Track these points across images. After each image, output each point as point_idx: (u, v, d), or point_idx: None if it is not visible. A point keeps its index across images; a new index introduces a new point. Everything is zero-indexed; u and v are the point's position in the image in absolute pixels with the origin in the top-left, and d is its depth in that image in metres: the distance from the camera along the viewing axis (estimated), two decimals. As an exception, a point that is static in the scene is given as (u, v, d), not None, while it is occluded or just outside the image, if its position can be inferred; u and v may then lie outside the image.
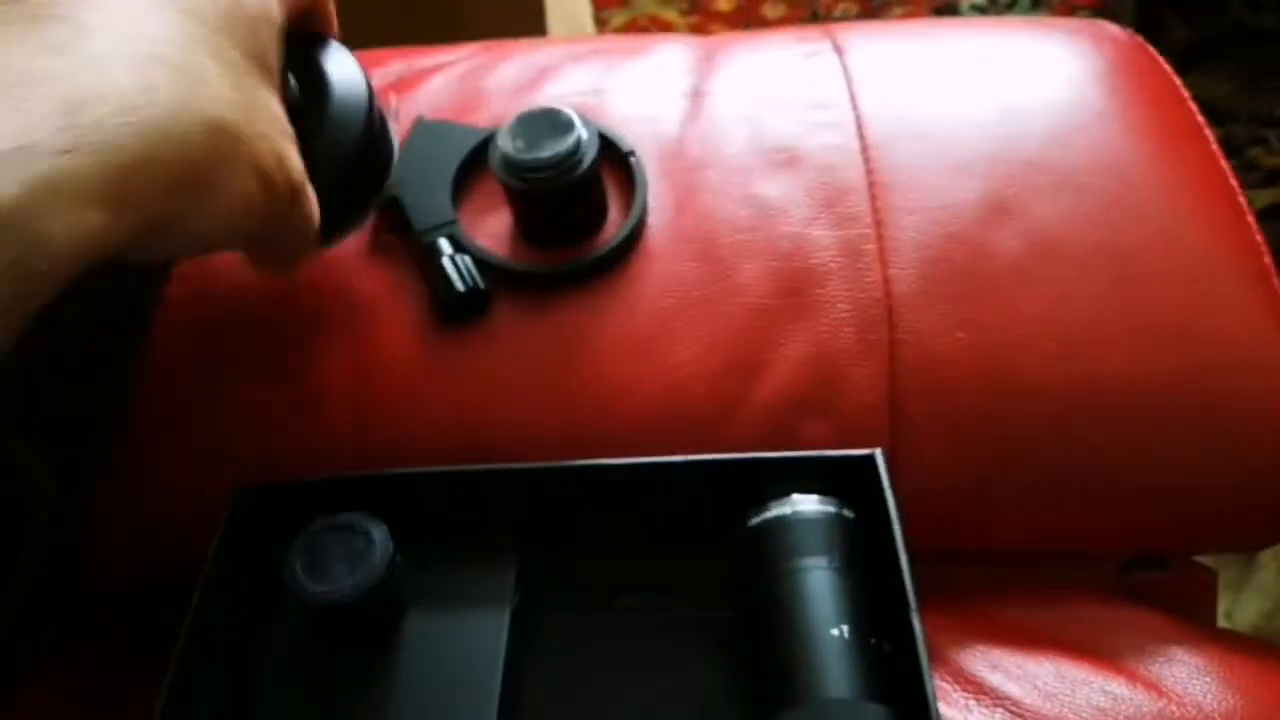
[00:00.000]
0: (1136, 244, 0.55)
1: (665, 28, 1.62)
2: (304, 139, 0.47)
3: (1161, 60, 0.68)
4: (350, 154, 0.50)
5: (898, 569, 0.43)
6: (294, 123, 0.46)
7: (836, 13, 1.62)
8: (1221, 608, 0.97)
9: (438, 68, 0.68)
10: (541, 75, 0.66)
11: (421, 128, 0.61)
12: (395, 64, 0.69)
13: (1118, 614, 0.52)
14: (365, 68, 0.52)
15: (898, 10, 1.62)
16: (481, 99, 0.65)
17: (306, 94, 0.49)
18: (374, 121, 0.51)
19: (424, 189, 0.58)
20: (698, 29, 1.63)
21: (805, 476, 0.47)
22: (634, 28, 1.62)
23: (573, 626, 0.48)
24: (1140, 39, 0.69)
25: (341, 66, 0.51)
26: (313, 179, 0.47)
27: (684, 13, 1.64)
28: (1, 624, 0.45)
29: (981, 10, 1.62)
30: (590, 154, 0.52)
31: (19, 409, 0.46)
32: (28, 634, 0.52)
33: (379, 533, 0.45)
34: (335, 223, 0.51)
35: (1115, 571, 0.55)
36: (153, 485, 0.53)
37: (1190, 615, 0.53)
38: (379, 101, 0.53)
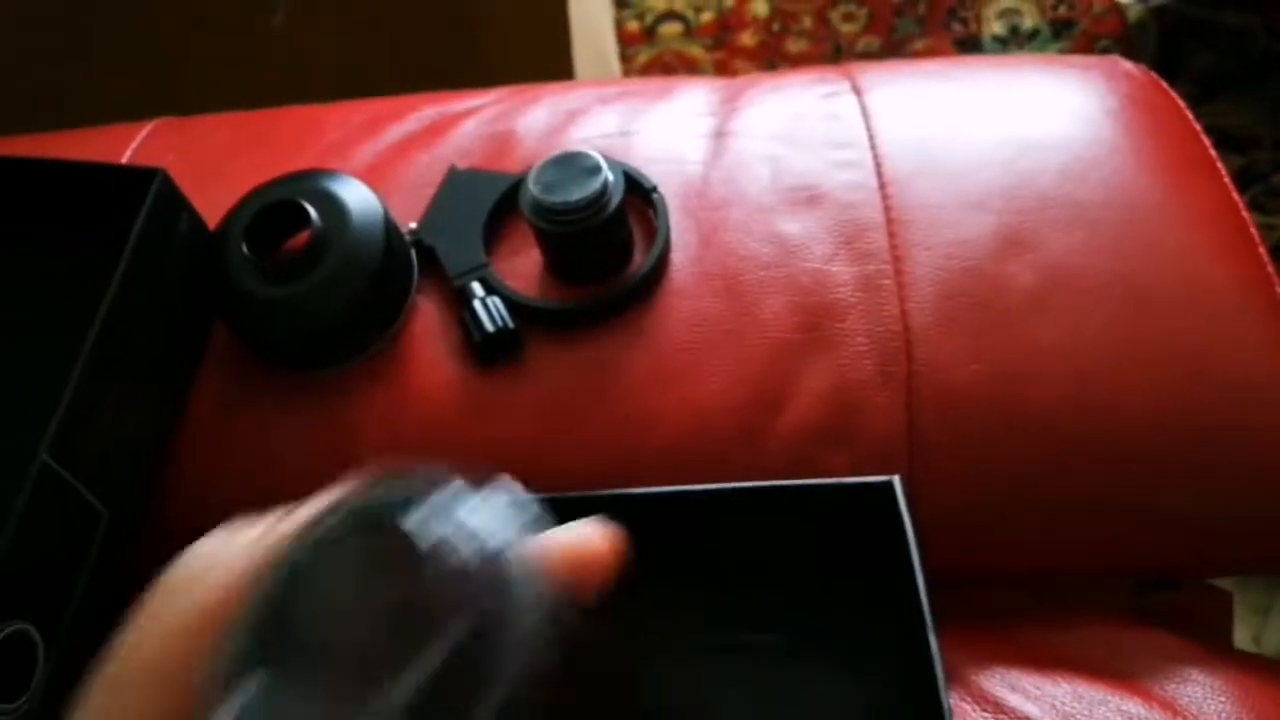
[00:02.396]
0: (1150, 276, 0.57)
1: (690, 64, 1.65)
2: (327, 268, 0.54)
3: (1175, 96, 0.69)
4: (371, 278, 0.56)
5: (915, 591, 0.44)
6: (316, 253, 0.54)
7: (859, 46, 1.64)
8: (1249, 633, 0.97)
9: (469, 112, 0.70)
10: (570, 119, 0.68)
11: (453, 176, 0.63)
12: (428, 109, 0.72)
13: (1133, 635, 0.53)
14: (381, 197, 0.59)
15: (919, 43, 1.64)
16: (512, 142, 0.67)
17: (327, 225, 0.54)
18: (392, 246, 0.56)
19: (456, 235, 0.60)
20: (722, 65, 1.65)
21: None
22: (659, 64, 1.65)
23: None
24: (1154, 75, 0.71)
25: (359, 198, 0.56)
26: (337, 305, 0.54)
27: (708, 49, 1.67)
28: (63, 639, 0.48)
29: (1003, 41, 1.64)
30: (617, 195, 0.55)
31: (78, 444, 0.49)
32: (87, 650, 0.54)
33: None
34: (359, 340, 0.57)
35: (1130, 594, 0.57)
36: (198, 504, 0.55)
37: (1205, 637, 0.54)
38: (394, 225, 0.59)
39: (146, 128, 0.74)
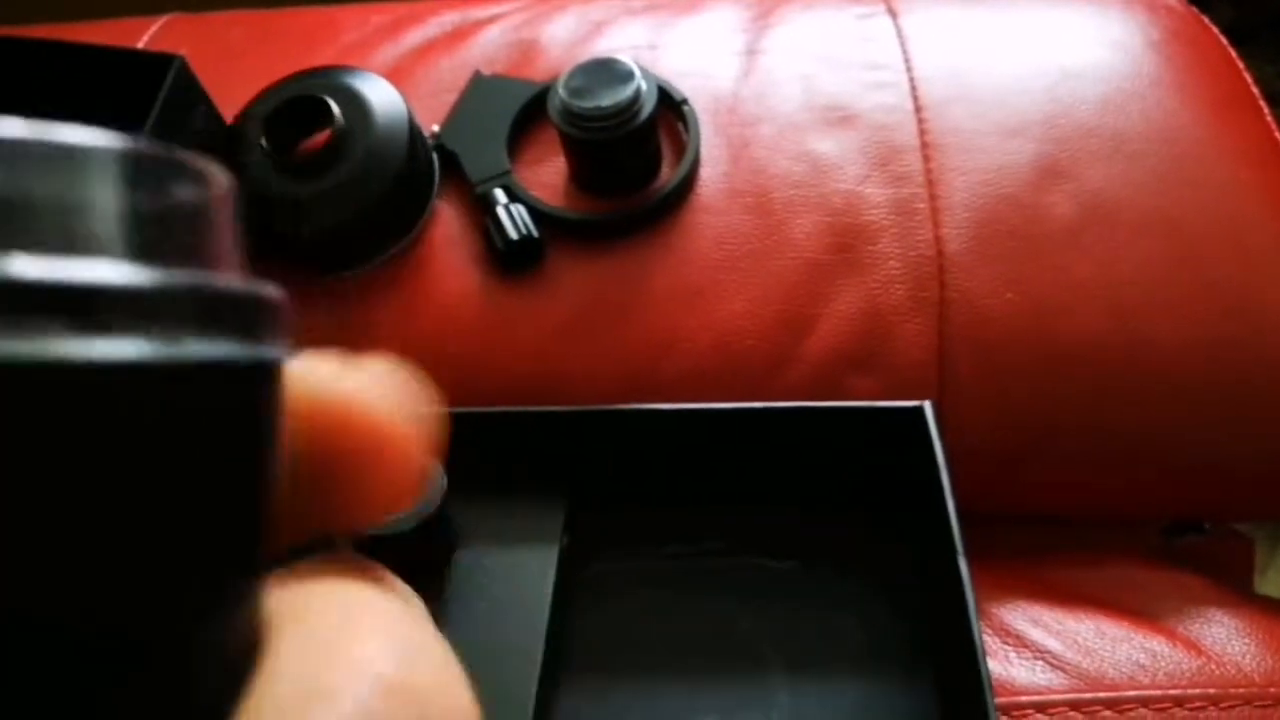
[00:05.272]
0: (1189, 212, 0.55)
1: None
2: (348, 167, 0.52)
3: (1216, 31, 0.67)
4: (394, 178, 0.54)
5: (945, 517, 0.43)
6: (339, 150, 0.52)
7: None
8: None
9: (492, 19, 0.68)
10: (596, 28, 0.66)
11: (478, 82, 0.61)
12: (449, 14, 0.69)
13: (1157, 576, 0.53)
14: (404, 94, 0.56)
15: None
16: (536, 50, 0.65)
17: (350, 123, 0.52)
18: (415, 148, 0.54)
19: (479, 141, 0.59)
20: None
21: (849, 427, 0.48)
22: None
23: (619, 570, 0.49)
24: (1195, 10, 0.69)
25: (383, 96, 0.55)
26: (359, 204, 0.52)
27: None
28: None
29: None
30: (650, 104, 0.53)
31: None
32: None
33: (433, 469, 0.46)
34: (378, 243, 0.55)
35: (1156, 535, 0.56)
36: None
37: (1227, 580, 0.53)
38: (418, 126, 0.57)
39: (157, 23, 0.71)
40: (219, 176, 0.14)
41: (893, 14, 0.67)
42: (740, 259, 0.54)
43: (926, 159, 0.57)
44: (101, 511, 0.12)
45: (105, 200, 0.12)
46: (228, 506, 0.14)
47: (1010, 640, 0.48)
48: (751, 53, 0.64)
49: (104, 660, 0.12)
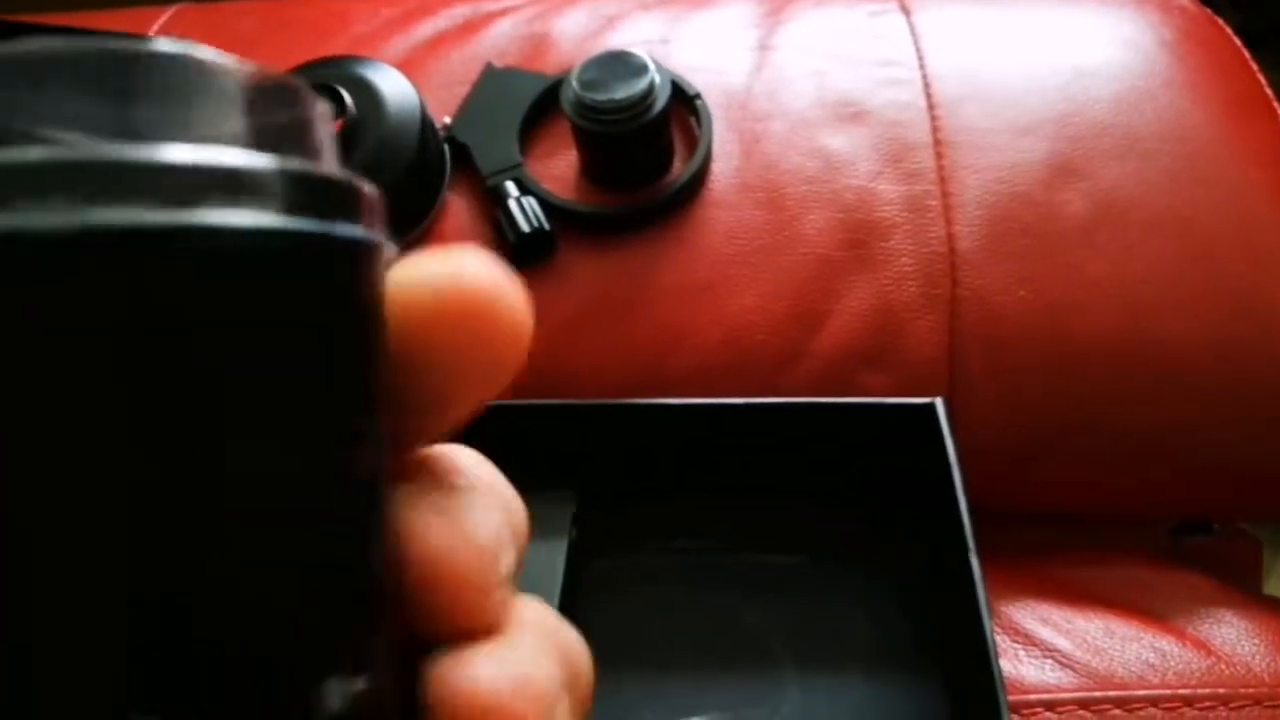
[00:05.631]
0: (1201, 211, 0.55)
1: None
2: (360, 156, 0.53)
3: (1229, 31, 0.67)
4: (405, 170, 0.54)
5: (956, 514, 0.43)
6: (350, 140, 0.52)
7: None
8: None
9: (504, 11, 0.68)
10: (609, 23, 0.66)
11: (490, 74, 0.61)
12: (461, 7, 0.69)
13: (1167, 576, 0.52)
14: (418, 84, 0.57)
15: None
16: (548, 44, 0.65)
17: (362, 113, 0.53)
18: (427, 139, 0.54)
19: (491, 134, 0.58)
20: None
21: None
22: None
23: (627, 565, 0.49)
24: (1208, 11, 0.69)
25: (396, 87, 0.55)
26: None
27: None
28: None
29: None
30: (663, 98, 0.53)
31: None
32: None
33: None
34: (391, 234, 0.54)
35: (1164, 535, 0.56)
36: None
37: (1237, 580, 0.53)
38: (430, 117, 0.57)
39: (167, 12, 0.71)
40: (319, 98, 0.16)
41: (906, 11, 0.67)
42: (751, 254, 0.54)
43: (939, 156, 0.57)
44: (261, 360, 0.14)
45: (236, 108, 0.14)
46: (353, 366, 0.15)
47: (1019, 639, 0.48)
48: (764, 48, 0.64)
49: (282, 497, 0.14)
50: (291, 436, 0.14)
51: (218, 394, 0.13)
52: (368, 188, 0.16)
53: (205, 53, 0.14)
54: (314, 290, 0.14)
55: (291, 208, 0.14)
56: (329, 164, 0.16)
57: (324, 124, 0.16)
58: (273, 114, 0.15)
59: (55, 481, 0.12)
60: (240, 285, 0.13)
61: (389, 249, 0.16)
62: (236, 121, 0.14)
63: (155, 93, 0.14)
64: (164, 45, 0.14)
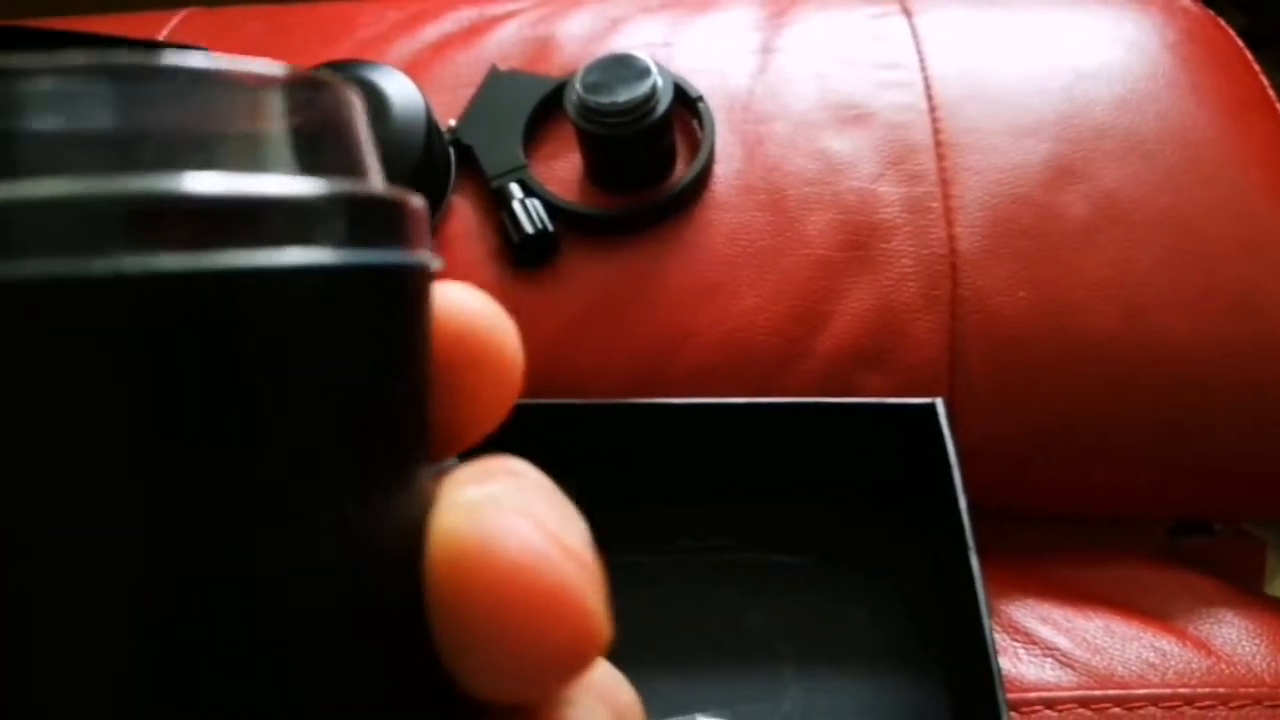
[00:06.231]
0: (1202, 213, 0.55)
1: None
2: None
3: (1233, 34, 0.67)
4: (410, 172, 0.54)
5: (956, 513, 0.43)
6: None
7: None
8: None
9: (508, 15, 0.68)
10: (612, 25, 0.66)
11: (494, 77, 0.62)
12: (466, 10, 0.70)
13: (1167, 576, 0.53)
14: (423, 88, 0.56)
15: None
16: (552, 47, 0.65)
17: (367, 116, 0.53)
18: (432, 141, 0.54)
19: (495, 136, 0.59)
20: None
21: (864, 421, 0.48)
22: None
23: (629, 565, 0.49)
24: (1211, 12, 0.69)
25: (401, 90, 0.56)
26: None
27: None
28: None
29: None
30: (665, 100, 0.53)
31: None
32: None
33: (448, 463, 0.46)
34: None
35: (1164, 536, 0.56)
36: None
37: (1237, 581, 0.53)
38: (435, 120, 0.57)
39: (176, 17, 0.72)
40: (355, 94, 0.15)
41: (907, 13, 0.67)
42: (753, 255, 0.55)
43: (940, 158, 0.57)
44: (298, 404, 0.13)
45: (268, 122, 0.13)
46: (400, 400, 0.14)
47: (1019, 637, 0.48)
48: (766, 51, 0.65)
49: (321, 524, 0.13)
50: (353, 477, 0.13)
51: (275, 435, 0.12)
52: (415, 201, 0.15)
53: (226, 60, 0.13)
54: (372, 324, 0.14)
55: (346, 239, 0.13)
56: (374, 173, 0.15)
57: (364, 123, 0.15)
58: (311, 121, 0.14)
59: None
60: (294, 327, 0.12)
61: (437, 265, 0.15)
62: (274, 138, 0.13)
63: (174, 110, 0.12)
64: (188, 57, 0.13)
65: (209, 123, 0.13)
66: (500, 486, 0.15)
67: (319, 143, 0.14)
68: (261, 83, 0.13)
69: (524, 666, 0.14)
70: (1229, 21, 0.70)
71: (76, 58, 0.12)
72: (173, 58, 0.12)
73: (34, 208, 0.11)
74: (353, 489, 0.13)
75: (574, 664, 0.14)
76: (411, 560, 0.14)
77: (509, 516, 0.14)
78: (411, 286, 0.14)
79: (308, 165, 0.13)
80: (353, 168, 0.14)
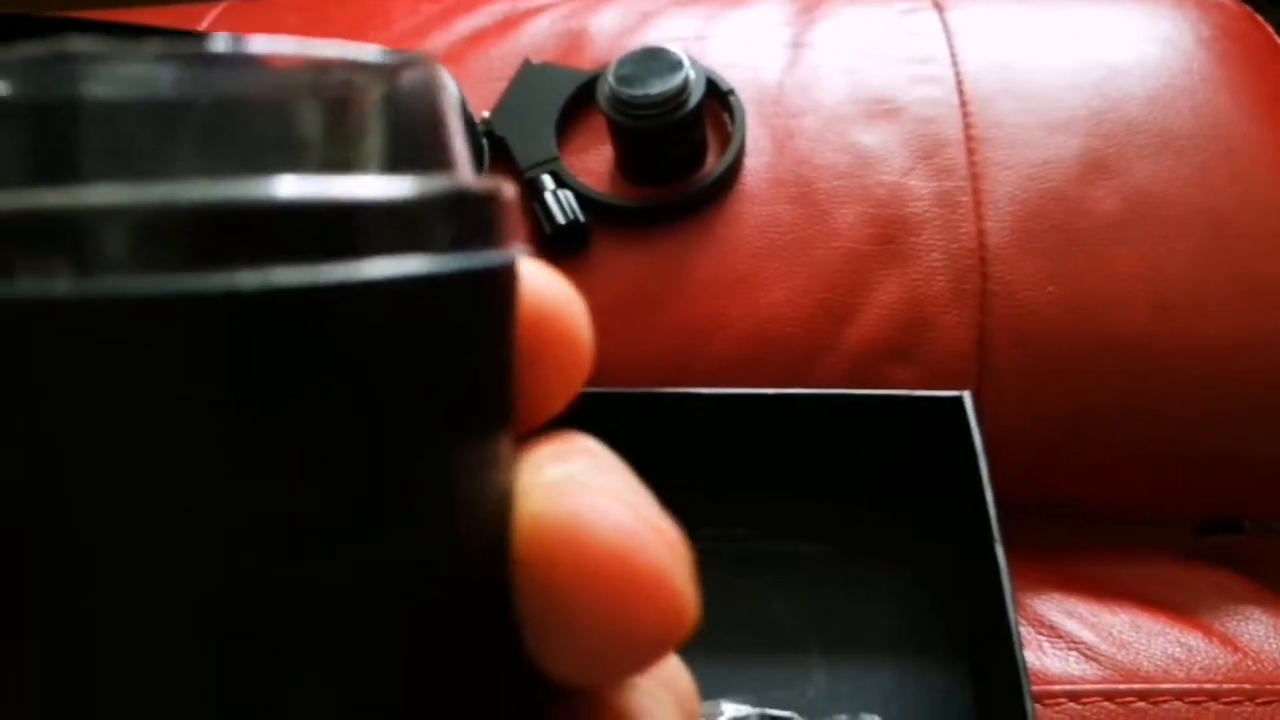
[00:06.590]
0: (1235, 209, 0.55)
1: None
2: None
3: (1270, 30, 0.67)
4: None
5: (982, 506, 0.44)
6: None
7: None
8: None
9: (541, 9, 0.69)
10: (644, 19, 0.67)
11: (527, 70, 0.62)
12: (499, 4, 0.70)
13: (1193, 572, 0.52)
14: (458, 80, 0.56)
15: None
16: (584, 40, 0.66)
17: None
18: (466, 133, 0.55)
19: (528, 127, 0.59)
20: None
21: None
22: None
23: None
24: (1247, 8, 0.68)
25: None
26: None
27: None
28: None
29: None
30: (698, 93, 0.53)
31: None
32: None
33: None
34: None
35: (1191, 533, 0.56)
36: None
37: (1265, 578, 0.53)
38: (470, 113, 0.58)
39: (214, 10, 0.73)
40: (449, 77, 0.14)
41: (939, 8, 0.67)
42: (783, 248, 0.55)
43: (971, 152, 0.58)
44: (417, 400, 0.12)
45: (363, 113, 0.12)
46: (491, 390, 0.14)
47: (1044, 630, 0.49)
48: (797, 45, 0.65)
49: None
50: (446, 468, 0.13)
51: (382, 441, 0.12)
52: (508, 192, 0.14)
53: (315, 45, 0.12)
54: (471, 323, 0.13)
55: (449, 243, 0.12)
56: (464, 163, 0.14)
57: (455, 108, 0.14)
58: (408, 110, 0.13)
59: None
60: (397, 334, 0.12)
61: (524, 254, 0.14)
62: (370, 131, 0.12)
63: (260, 103, 0.12)
64: (246, 43, 0.12)
65: (300, 116, 0.12)
66: (580, 465, 0.15)
67: (414, 134, 0.13)
68: (356, 69, 0.12)
69: (611, 648, 0.14)
70: (1266, 18, 0.69)
71: (153, 45, 0.11)
72: (258, 44, 0.12)
73: (118, 215, 0.10)
74: (446, 480, 0.13)
75: (662, 646, 0.14)
76: (500, 541, 0.14)
77: (597, 496, 0.14)
78: (506, 283, 0.14)
79: (404, 160, 0.12)
80: (447, 160, 0.14)
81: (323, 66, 0.12)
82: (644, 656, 0.14)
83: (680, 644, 0.14)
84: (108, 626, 0.11)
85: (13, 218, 0.10)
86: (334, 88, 0.12)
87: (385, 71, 0.13)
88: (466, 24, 0.68)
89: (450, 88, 0.14)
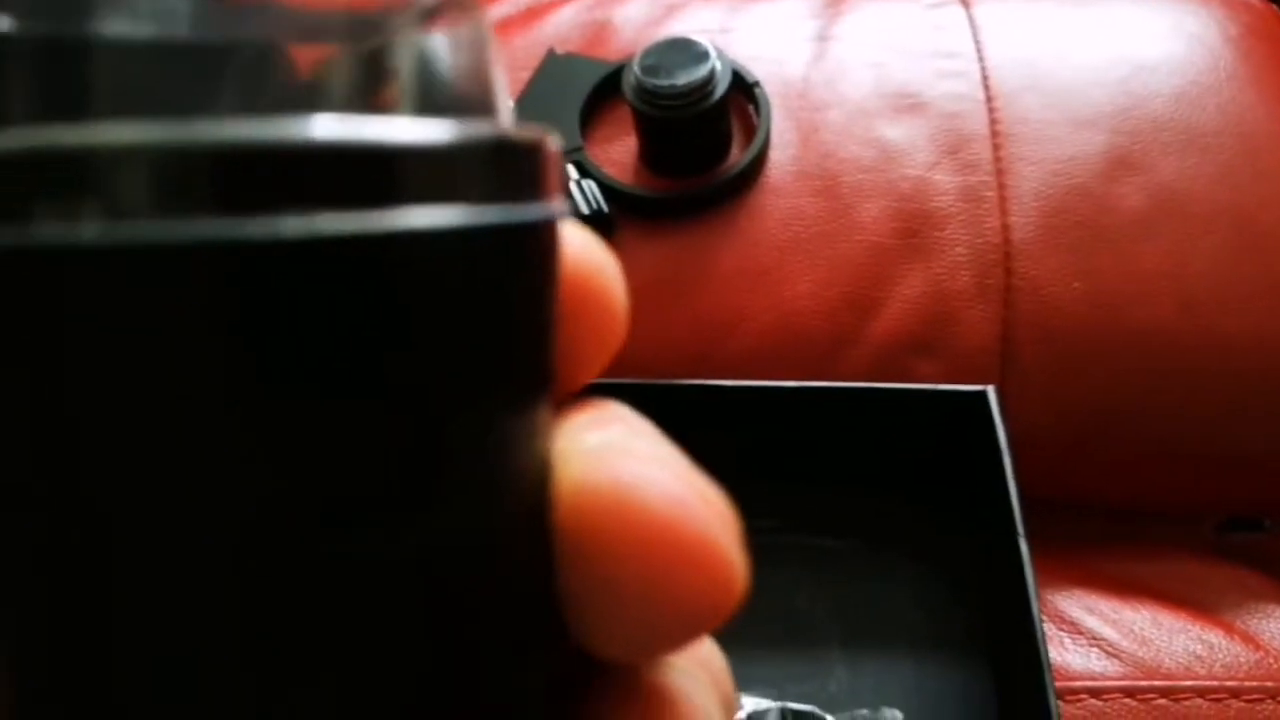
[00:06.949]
0: (1261, 206, 0.55)
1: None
2: None
3: (1296, 28, 0.67)
4: None
5: (1006, 501, 0.44)
6: None
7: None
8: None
9: None
10: (669, 11, 0.67)
11: (552, 60, 0.62)
12: (524, -5, 0.70)
13: (1215, 570, 0.52)
14: None
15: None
16: (608, 31, 0.66)
17: None
18: None
19: (552, 117, 0.59)
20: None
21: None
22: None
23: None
24: (1275, 8, 0.68)
25: None
26: None
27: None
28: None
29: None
30: (722, 84, 0.53)
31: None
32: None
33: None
34: None
35: (1213, 531, 0.56)
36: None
37: (1288, 578, 0.53)
38: None
39: None
40: (486, 18, 0.13)
41: (965, 3, 0.67)
42: (807, 241, 0.55)
43: (996, 147, 0.57)
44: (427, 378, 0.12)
45: (393, 56, 0.12)
46: (531, 349, 0.13)
47: (1065, 627, 0.49)
48: (823, 39, 0.65)
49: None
50: (485, 429, 0.12)
51: (426, 397, 0.11)
52: (552, 143, 0.13)
53: None
54: (513, 279, 0.12)
55: (491, 193, 0.11)
56: (506, 108, 0.13)
57: (496, 50, 0.13)
58: (449, 49, 0.12)
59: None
60: (438, 291, 0.11)
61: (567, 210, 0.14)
62: (409, 71, 0.12)
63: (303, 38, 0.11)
64: None
65: (334, 57, 0.11)
66: (618, 431, 0.14)
67: (455, 75, 0.12)
68: (394, 9, 0.12)
69: (659, 620, 0.13)
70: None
71: None
72: None
73: (149, 153, 0.09)
74: (489, 444, 0.12)
75: (711, 618, 0.13)
76: (540, 508, 0.13)
77: (642, 463, 0.13)
78: (548, 238, 0.13)
79: (445, 103, 0.12)
80: (489, 105, 0.13)
81: (359, 5, 0.12)
82: (692, 629, 0.14)
83: (730, 616, 0.14)
84: (126, 591, 0.11)
85: (33, 156, 0.09)
86: (371, 27, 0.12)
87: (425, 13, 0.12)
88: (491, 13, 0.68)
89: (492, 30, 0.13)
